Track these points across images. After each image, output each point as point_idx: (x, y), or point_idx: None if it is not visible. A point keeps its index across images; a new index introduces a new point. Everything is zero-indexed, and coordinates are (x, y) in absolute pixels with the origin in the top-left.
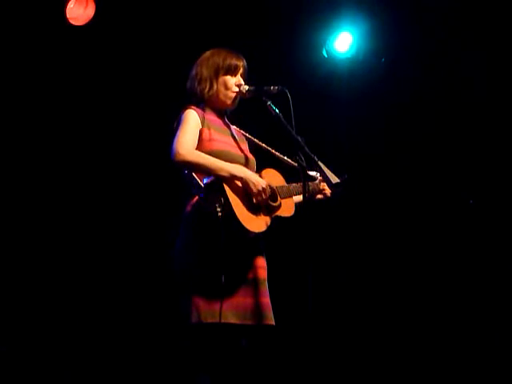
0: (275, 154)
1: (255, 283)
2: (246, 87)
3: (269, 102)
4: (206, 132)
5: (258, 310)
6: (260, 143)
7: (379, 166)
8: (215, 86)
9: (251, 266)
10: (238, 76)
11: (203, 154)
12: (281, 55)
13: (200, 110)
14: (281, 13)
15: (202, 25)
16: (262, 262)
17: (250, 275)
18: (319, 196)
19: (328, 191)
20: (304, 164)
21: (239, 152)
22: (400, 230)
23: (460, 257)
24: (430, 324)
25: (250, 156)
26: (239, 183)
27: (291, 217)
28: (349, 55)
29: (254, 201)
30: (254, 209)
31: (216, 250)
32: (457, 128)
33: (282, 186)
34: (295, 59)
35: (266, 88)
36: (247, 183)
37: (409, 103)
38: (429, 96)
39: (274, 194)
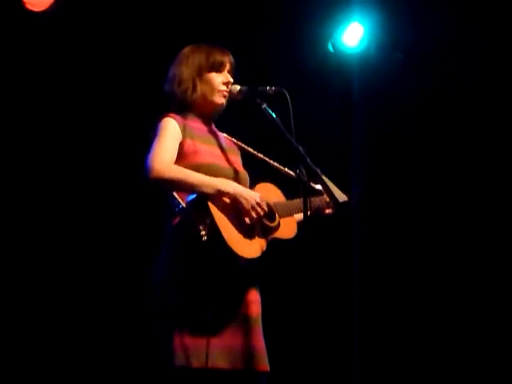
0: (273, 165)
1: (247, 321)
2: (238, 87)
3: (264, 105)
4: (188, 143)
5: (249, 353)
6: (255, 153)
7: (396, 178)
8: (199, 87)
9: (242, 301)
10: (225, 73)
11: (183, 169)
12: (278, 50)
13: (180, 118)
14: (278, 1)
15: (185, 15)
16: (254, 296)
17: (241, 311)
18: (327, 211)
19: None
20: (305, 178)
21: (228, 165)
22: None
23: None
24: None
25: (242, 169)
26: (228, 200)
27: (292, 239)
28: (359, 50)
29: (247, 220)
30: (247, 230)
31: (201, 281)
32: (486, 132)
33: (281, 203)
34: (295, 55)
35: (260, 88)
36: (237, 199)
37: (430, 105)
38: (454, 97)
39: (271, 211)
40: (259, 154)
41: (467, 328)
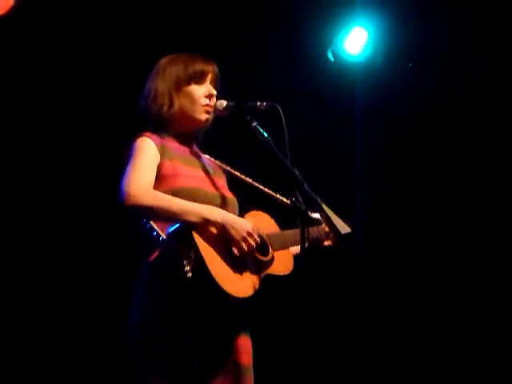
0: (264, 191)
1: (237, 370)
2: (224, 102)
3: (255, 123)
4: (167, 165)
5: None
6: (243, 177)
7: (403, 203)
8: (177, 102)
9: (231, 346)
10: (207, 84)
11: (163, 194)
12: (271, 60)
13: (157, 137)
14: (270, 4)
15: (168, 20)
16: (245, 341)
17: (230, 359)
18: (326, 243)
19: None
20: (303, 207)
21: (214, 189)
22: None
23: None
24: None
25: (229, 194)
26: (215, 230)
27: (288, 275)
28: (363, 58)
29: (237, 253)
30: (237, 265)
31: (185, 325)
32: (497, 147)
33: (275, 234)
34: (290, 64)
35: (250, 104)
36: (226, 229)
37: (444, 122)
38: (465, 110)
39: (263, 244)
40: (247, 179)
41: (468, 342)
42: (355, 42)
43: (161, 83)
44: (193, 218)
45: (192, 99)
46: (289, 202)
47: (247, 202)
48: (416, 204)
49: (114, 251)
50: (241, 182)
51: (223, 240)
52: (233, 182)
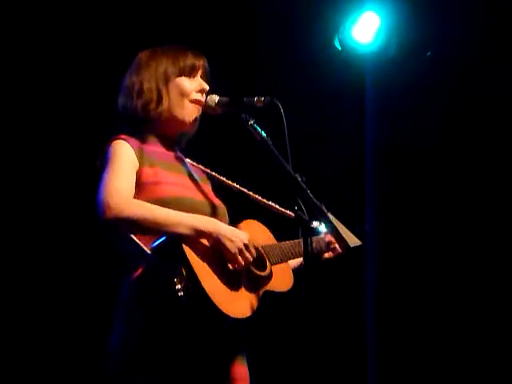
0: (256, 199)
1: None
2: (216, 98)
3: (251, 122)
4: (147, 172)
5: None
6: (231, 183)
7: (418, 209)
8: (166, 98)
9: (227, 377)
10: (198, 78)
11: (147, 205)
12: (270, 50)
13: (135, 141)
14: None
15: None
16: (241, 369)
17: None
18: (327, 255)
19: (339, 246)
20: (305, 217)
21: (202, 197)
22: None
23: None
24: None
25: (219, 202)
26: (207, 243)
27: (288, 291)
28: (374, 48)
29: (232, 268)
30: (233, 281)
31: (175, 353)
32: None
33: (272, 246)
34: (292, 55)
35: (246, 99)
36: (220, 241)
37: (465, 121)
38: (493, 112)
39: (260, 257)
40: (236, 185)
41: (479, 353)
42: (365, 28)
43: (146, 77)
44: (182, 230)
45: (182, 93)
46: (282, 210)
47: (238, 210)
48: (431, 209)
49: (89, 269)
50: (229, 190)
51: (217, 253)
52: (220, 190)
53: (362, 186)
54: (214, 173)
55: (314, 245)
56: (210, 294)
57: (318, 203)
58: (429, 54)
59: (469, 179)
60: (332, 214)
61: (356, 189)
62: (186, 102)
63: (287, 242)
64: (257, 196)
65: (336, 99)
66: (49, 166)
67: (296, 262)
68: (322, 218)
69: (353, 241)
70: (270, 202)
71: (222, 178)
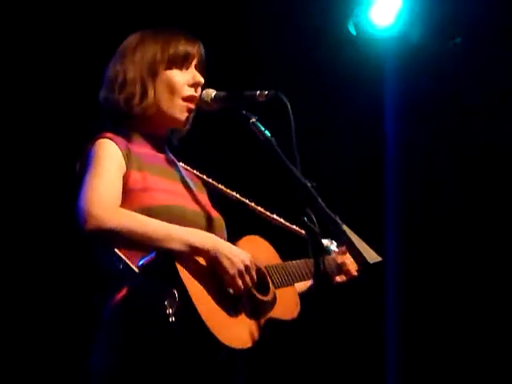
0: (258, 212)
1: None
2: (212, 92)
3: (253, 119)
4: (135, 177)
5: None
6: (230, 192)
7: (444, 220)
8: (151, 92)
9: None
10: (192, 69)
11: (136, 215)
12: (274, 38)
13: (122, 140)
14: None
15: None
16: None
17: None
18: (338, 279)
19: (353, 269)
20: (316, 228)
21: (196, 207)
22: None
23: None
24: None
25: (215, 214)
26: (203, 261)
27: (294, 320)
28: (394, 32)
29: (232, 291)
30: (232, 306)
31: (164, 382)
32: None
33: (276, 267)
34: (300, 42)
35: (247, 93)
36: (219, 260)
37: (500, 118)
38: None
39: (262, 279)
40: (235, 194)
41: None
42: (384, 10)
43: (131, 66)
44: (175, 245)
45: (172, 88)
46: (289, 225)
47: (237, 223)
48: (457, 225)
49: (64, 290)
50: (228, 199)
51: (213, 274)
52: (217, 199)
53: (380, 195)
54: (210, 180)
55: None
56: (206, 320)
57: (331, 213)
58: (458, 40)
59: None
60: (347, 226)
61: (374, 199)
62: (177, 99)
63: (293, 261)
64: (259, 208)
65: (350, 94)
66: (21, 167)
67: (303, 285)
68: (336, 230)
69: (372, 256)
70: (275, 216)
71: (219, 185)
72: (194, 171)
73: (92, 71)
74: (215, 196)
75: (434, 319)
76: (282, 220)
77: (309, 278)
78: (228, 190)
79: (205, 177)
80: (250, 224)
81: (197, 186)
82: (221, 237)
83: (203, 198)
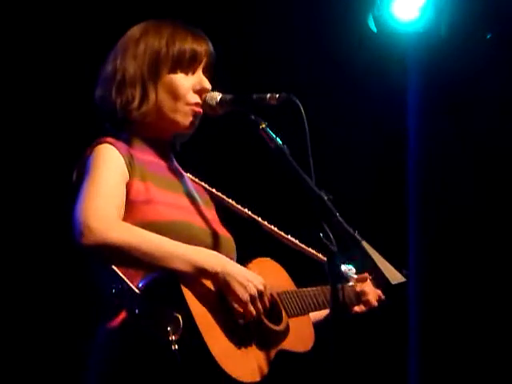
0: (269, 230)
1: None
2: (218, 95)
3: (263, 125)
4: (138, 187)
5: None
6: (240, 209)
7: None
8: (153, 95)
9: None
10: (199, 73)
11: (139, 230)
12: (286, 34)
13: (124, 145)
14: None
15: None
16: None
17: None
18: (357, 309)
19: (373, 298)
20: (334, 247)
21: (203, 224)
22: None
23: None
24: None
25: (224, 232)
26: (210, 284)
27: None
28: (419, 27)
29: (241, 320)
30: (240, 335)
31: None
32: None
33: (291, 293)
34: (316, 40)
35: (257, 97)
36: (228, 284)
37: None
38: None
39: (275, 307)
40: (246, 211)
41: None
42: (408, 3)
43: (132, 62)
44: (181, 265)
45: (175, 94)
46: (305, 247)
47: (248, 243)
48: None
49: (55, 313)
50: (238, 216)
51: (221, 298)
52: (225, 214)
53: (402, 209)
54: (219, 193)
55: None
56: (212, 350)
57: (350, 229)
58: (489, 35)
59: None
60: (368, 243)
61: (395, 212)
62: (180, 105)
63: (309, 288)
64: (273, 227)
65: (370, 95)
66: (14, 174)
67: (319, 315)
68: (355, 246)
69: (395, 277)
70: (289, 236)
71: (229, 200)
72: (203, 184)
73: (93, 69)
74: (224, 212)
75: (458, 339)
76: (296, 241)
77: (325, 307)
78: (239, 206)
79: (214, 190)
80: (262, 244)
81: (204, 200)
82: (229, 257)
83: (210, 213)
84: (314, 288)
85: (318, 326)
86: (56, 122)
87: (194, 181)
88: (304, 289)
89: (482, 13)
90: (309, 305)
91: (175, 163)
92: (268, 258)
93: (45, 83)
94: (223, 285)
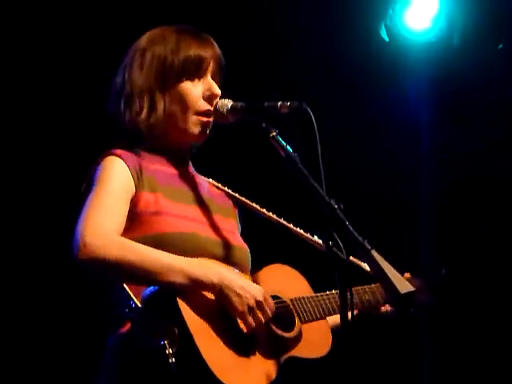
0: (295, 232)
1: None
2: (229, 103)
3: (273, 133)
4: (147, 199)
5: None
6: (265, 212)
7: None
8: (161, 106)
9: None
10: (208, 79)
11: (134, 244)
12: (299, 43)
13: (133, 156)
14: None
15: None
16: None
17: None
18: (384, 309)
19: None
20: (343, 255)
21: (213, 234)
22: None
23: None
24: None
25: (239, 242)
26: (211, 296)
27: (324, 357)
28: (431, 37)
29: (245, 329)
30: (243, 345)
31: None
32: None
33: (305, 299)
34: (330, 48)
35: (268, 105)
36: (226, 295)
37: None
38: None
39: (287, 313)
40: (271, 215)
41: None
42: (420, 13)
43: (139, 76)
44: (177, 279)
45: (184, 103)
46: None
47: (266, 246)
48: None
49: (65, 322)
50: (263, 221)
51: (222, 310)
52: (250, 220)
53: (416, 218)
54: (243, 198)
55: (367, 296)
56: (209, 361)
57: (360, 238)
58: (500, 46)
59: None
60: (378, 252)
61: (408, 221)
62: (189, 115)
63: (325, 293)
64: (299, 230)
65: (382, 105)
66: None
67: (337, 319)
68: (364, 254)
69: (403, 286)
70: (315, 237)
71: (252, 204)
72: (226, 189)
73: (105, 78)
74: (249, 217)
75: (472, 345)
76: (318, 241)
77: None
78: (264, 210)
79: (237, 195)
80: (288, 249)
81: (222, 207)
82: (242, 267)
83: (226, 222)
84: (333, 292)
85: (338, 330)
86: (67, 132)
87: (213, 186)
88: (321, 293)
89: (494, 23)
90: (324, 309)
91: (191, 170)
92: (284, 265)
93: (58, 92)
94: (221, 296)
